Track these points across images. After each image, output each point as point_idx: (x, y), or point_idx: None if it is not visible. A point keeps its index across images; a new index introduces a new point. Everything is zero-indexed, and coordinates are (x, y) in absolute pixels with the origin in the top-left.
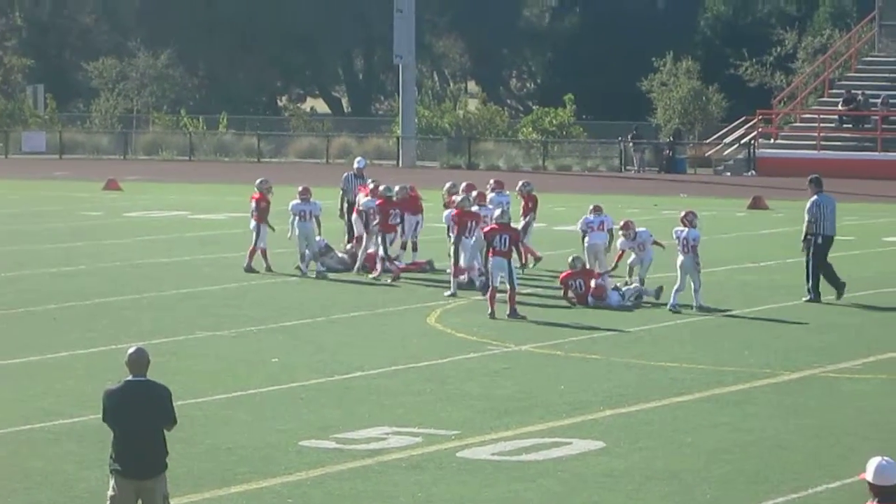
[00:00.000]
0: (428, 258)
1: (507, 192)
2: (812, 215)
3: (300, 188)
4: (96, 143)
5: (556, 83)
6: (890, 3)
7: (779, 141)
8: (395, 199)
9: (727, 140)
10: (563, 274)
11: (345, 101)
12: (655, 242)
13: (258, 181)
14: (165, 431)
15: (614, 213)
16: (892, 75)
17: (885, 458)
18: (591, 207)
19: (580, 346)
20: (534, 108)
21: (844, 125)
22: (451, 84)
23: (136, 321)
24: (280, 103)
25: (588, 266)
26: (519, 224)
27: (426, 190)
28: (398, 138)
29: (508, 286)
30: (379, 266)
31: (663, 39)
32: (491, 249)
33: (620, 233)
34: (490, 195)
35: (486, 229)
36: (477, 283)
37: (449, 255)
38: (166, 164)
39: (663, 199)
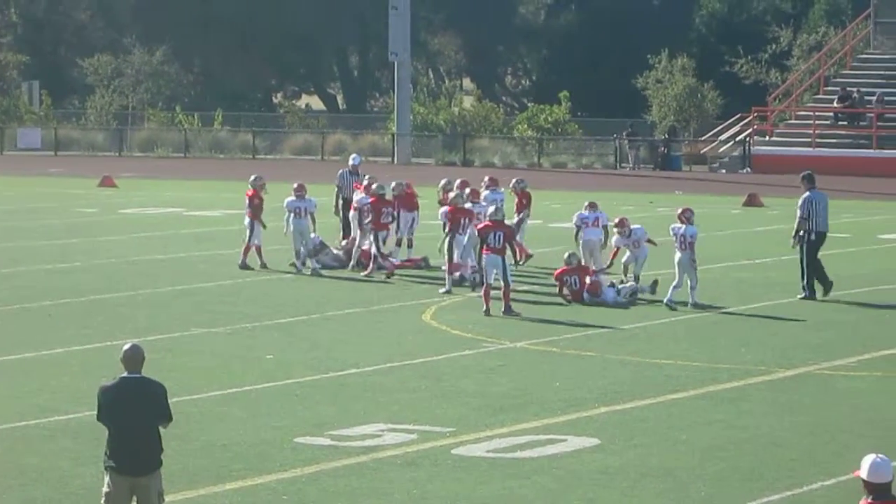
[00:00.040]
0: (423, 255)
1: (502, 190)
2: (804, 211)
3: (295, 185)
4: (91, 139)
5: (551, 80)
6: (885, 0)
7: (774, 138)
8: (389, 196)
9: (722, 137)
10: (559, 270)
11: (340, 98)
12: (649, 240)
13: (252, 178)
14: (161, 428)
15: (610, 211)
16: (887, 72)
17: (880, 455)
18: (587, 204)
19: (575, 343)
20: (529, 105)
21: (840, 122)
22: (447, 81)
23: (131, 318)
24: (275, 100)
25: (583, 263)
26: (513, 221)
27: (421, 187)
28: (393, 135)
29: (503, 283)
30: (371, 264)
31: (658, 36)
32: (485, 246)
33: (615, 230)
34: (485, 192)
35: (481, 226)
36: (467, 279)
37: (439, 251)
38: (161, 160)
39: (658, 196)
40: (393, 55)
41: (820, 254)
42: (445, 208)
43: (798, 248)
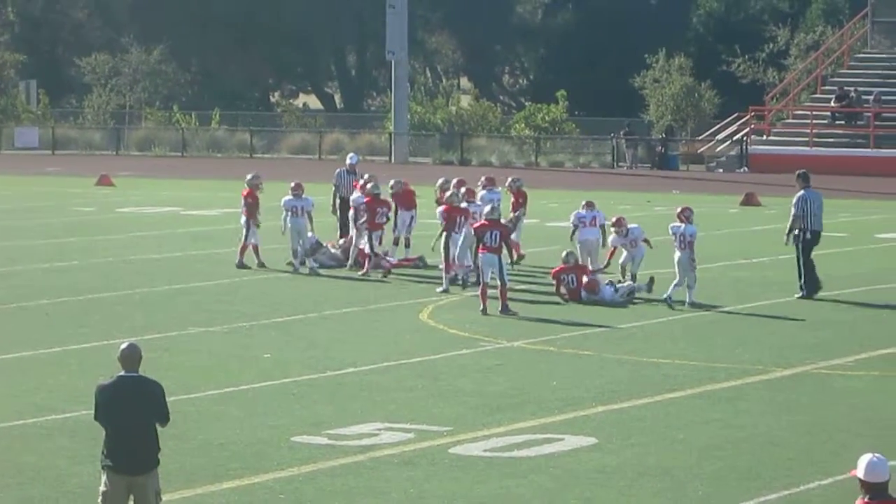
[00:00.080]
0: (419, 254)
1: (499, 189)
2: (798, 209)
3: (292, 184)
4: (89, 138)
5: (548, 79)
6: None
7: (771, 137)
8: (383, 194)
9: (720, 136)
10: (556, 269)
11: (337, 97)
12: (646, 240)
13: (248, 177)
14: (159, 427)
15: (607, 210)
16: (884, 72)
17: (877, 454)
18: (584, 203)
19: (572, 343)
20: (526, 104)
21: (837, 122)
22: (444, 80)
23: (128, 317)
24: (272, 99)
25: (581, 262)
26: (508, 218)
27: (418, 186)
28: (391, 134)
29: (499, 282)
30: (367, 263)
31: (656, 36)
32: (481, 245)
33: (612, 229)
34: (482, 192)
35: (477, 225)
36: (459, 277)
37: (432, 249)
38: (159, 159)
39: (656, 195)
40: (390, 54)
41: (817, 253)
42: (442, 207)
43: (794, 247)
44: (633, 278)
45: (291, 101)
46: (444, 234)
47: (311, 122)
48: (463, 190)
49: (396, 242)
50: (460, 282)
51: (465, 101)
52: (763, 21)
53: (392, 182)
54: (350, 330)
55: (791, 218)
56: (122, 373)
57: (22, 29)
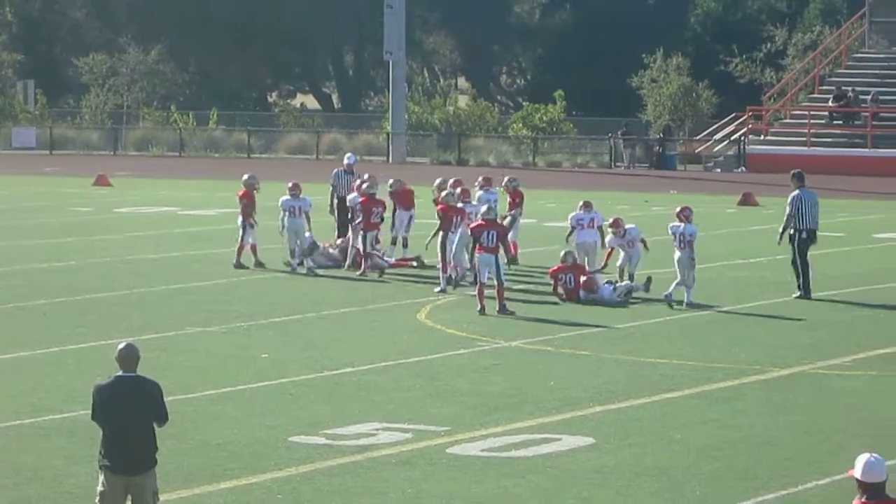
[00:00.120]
0: (416, 254)
1: (496, 189)
2: (792, 209)
3: (290, 184)
4: (86, 138)
5: (546, 79)
6: None
7: (769, 137)
8: (379, 194)
9: (717, 136)
10: (553, 268)
11: (335, 97)
12: (642, 240)
13: (245, 177)
14: (157, 427)
15: (604, 210)
16: (882, 72)
17: (874, 454)
18: (581, 203)
19: (570, 343)
20: (524, 104)
21: (834, 122)
22: (442, 80)
23: (126, 317)
24: (270, 99)
25: (579, 262)
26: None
27: (416, 186)
28: (388, 134)
29: (496, 282)
30: (364, 263)
31: (653, 36)
32: (478, 245)
33: (610, 230)
34: (479, 192)
35: (473, 225)
36: (454, 277)
37: (426, 248)
38: (156, 159)
39: (653, 195)
40: (388, 54)
41: (814, 252)
42: (438, 207)
43: (791, 247)
44: (631, 278)
45: (289, 101)
46: (441, 234)
47: (309, 123)
48: (458, 190)
49: (394, 242)
50: (452, 283)
51: (463, 101)
52: (761, 21)
53: (391, 181)
54: (348, 330)
55: (785, 217)
56: (120, 373)
57: (20, 29)
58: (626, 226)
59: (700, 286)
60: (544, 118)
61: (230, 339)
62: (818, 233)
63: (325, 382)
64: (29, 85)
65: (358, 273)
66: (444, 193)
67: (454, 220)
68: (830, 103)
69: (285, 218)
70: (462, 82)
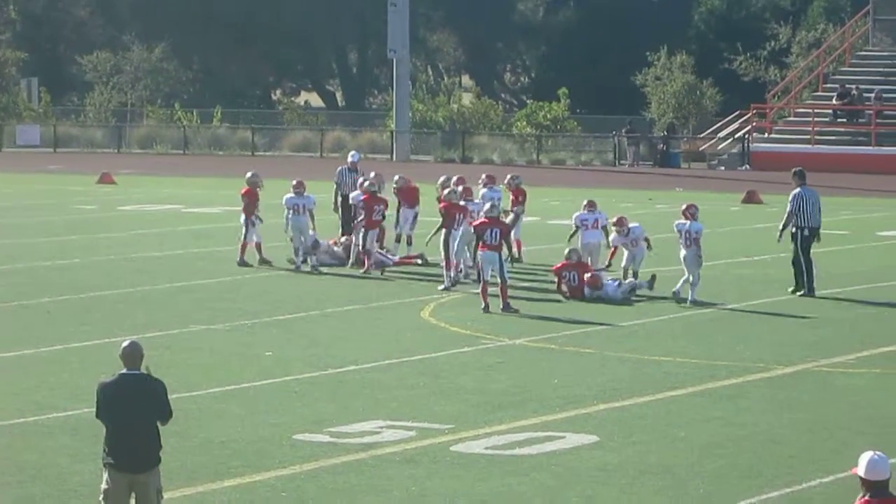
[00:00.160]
0: (420, 252)
1: (499, 187)
2: (794, 206)
3: (294, 182)
4: (90, 136)
5: (550, 77)
6: None
7: (773, 135)
8: (383, 191)
9: (721, 134)
10: (557, 265)
11: (339, 95)
12: (646, 239)
13: (248, 175)
14: (160, 425)
15: (608, 208)
16: (886, 69)
17: (878, 452)
18: (585, 203)
19: (574, 340)
20: (528, 102)
21: (838, 119)
22: (446, 78)
23: (129, 315)
24: (274, 97)
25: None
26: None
27: (420, 184)
28: (392, 132)
29: (499, 280)
30: (368, 261)
31: (657, 33)
32: (481, 243)
33: (614, 228)
34: (482, 190)
35: (476, 223)
36: (452, 275)
37: (426, 245)
38: (160, 157)
39: (658, 193)
40: (392, 52)
41: (818, 250)
42: (441, 204)
43: (792, 245)
44: (635, 276)
45: (293, 98)
46: (444, 231)
47: (313, 120)
48: (461, 188)
49: (398, 240)
50: (452, 279)
51: (467, 98)
52: (765, 19)
53: (396, 178)
54: (351, 328)
55: (786, 215)
56: (124, 370)
57: (24, 26)
58: (630, 224)
59: (704, 284)
60: (548, 116)
61: (234, 337)
62: (821, 231)
63: (329, 380)
64: (33, 83)
65: (361, 271)
66: (446, 191)
67: (457, 217)
68: (834, 101)
69: (290, 216)
70: (466, 80)
